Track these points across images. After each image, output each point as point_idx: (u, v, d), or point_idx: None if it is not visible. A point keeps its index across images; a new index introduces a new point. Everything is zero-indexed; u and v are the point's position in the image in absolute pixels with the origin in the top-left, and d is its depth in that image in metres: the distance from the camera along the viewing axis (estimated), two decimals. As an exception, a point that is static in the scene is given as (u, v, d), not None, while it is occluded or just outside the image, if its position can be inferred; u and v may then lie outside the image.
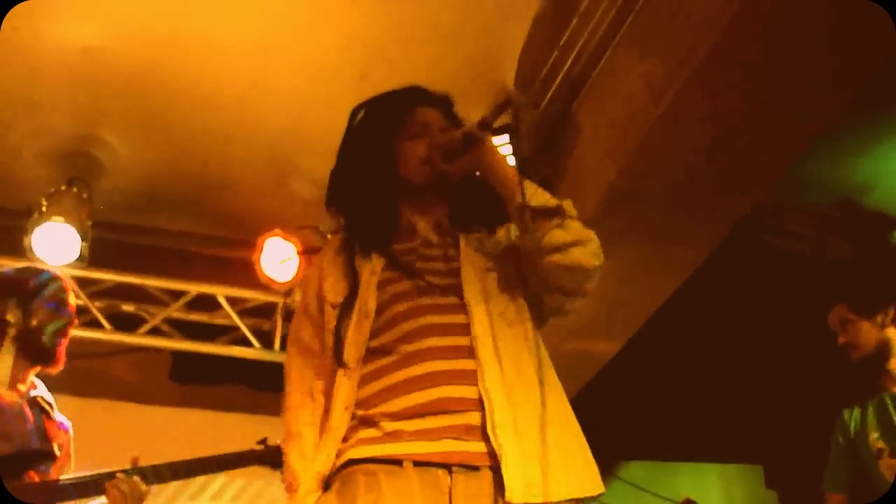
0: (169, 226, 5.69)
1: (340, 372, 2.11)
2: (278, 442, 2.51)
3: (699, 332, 5.62)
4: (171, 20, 4.40)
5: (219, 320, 5.69)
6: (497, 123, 2.32)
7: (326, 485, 2.05)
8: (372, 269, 2.19)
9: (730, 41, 3.58)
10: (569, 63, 4.40)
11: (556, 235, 2.11)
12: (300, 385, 2.23)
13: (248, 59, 4.59)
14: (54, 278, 3.11)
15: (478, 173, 2.24)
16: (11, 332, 2.94)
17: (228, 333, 5.69)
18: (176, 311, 5.55)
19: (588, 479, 2.04)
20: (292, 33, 4.47)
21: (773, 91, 3.81)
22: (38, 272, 3.13)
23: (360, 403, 2.07)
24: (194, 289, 5.57)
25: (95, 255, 5.04)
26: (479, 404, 2.00)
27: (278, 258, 5.10)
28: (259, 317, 5.76)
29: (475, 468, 1.96)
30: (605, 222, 4.05)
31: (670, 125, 3.97)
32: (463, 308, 2.11)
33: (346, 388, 2.09)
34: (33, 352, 3.00)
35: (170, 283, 5.52)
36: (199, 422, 5.41)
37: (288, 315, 5.64)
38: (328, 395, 2.13)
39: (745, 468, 6.96)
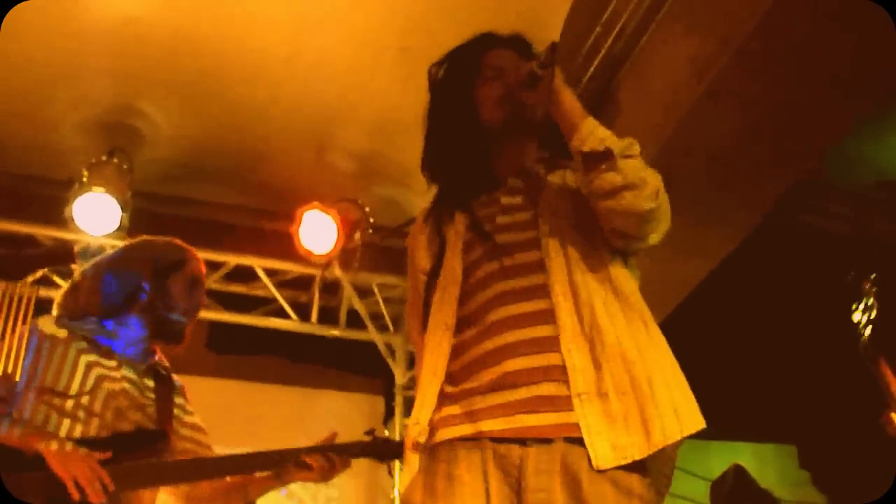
0: (207, 197, 5.71)
1: (430, 338, 2.11)
2: (386, 433, 2.51)
3: (736, 311, 5.61)
4: (211, -9, 4.44)
5: (257, 291, 5.71)
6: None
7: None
8: (456, 230, 2.19)
9: (775, 18, 3.53)
10: (611, 39, 4.36)
11: (607, 179, 2.04)
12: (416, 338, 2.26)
13: (288, 30, 4.58)
14: (193, 258, 3.11)
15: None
16: (146, 303, 2.95)
17: (266, 305, 5.71)
18: (214, 283, 5.57)
19: (687, 416, 1.95)
20: (332, 4, 4.45)
21: (817, 69, 3.76)
22: (181, 248, 3.13)
23: (449, 377, 2.07)
24: (232, 260, 5.59)
25: (135, 225, 5.05)
26: (562, 370, 1.96)
27: (317, 230, 5.10)
28: (296, 289, 5.79)
29: (548, 441, 1.93)
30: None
31: (713, 103, 3.92)
32: (541, 266, 2.08)
33: (434, 355, 2.09)
34: (161, 328, 2.99)
35: (208, 253, 5.42)
36: (236, 391, 5.48)
37: (326, 287, 5.74)
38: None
39: (779, 448, 6.97)
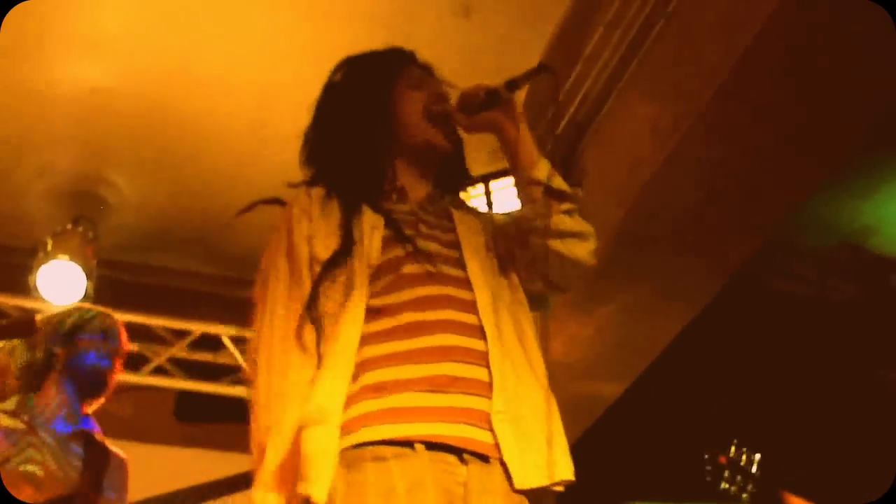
0: (174, 265, 5.68)
1: (341, 317, 1.88)
2: None
3: (704, 373, 5.58)
4: (178, 60, 4.42)
5: (223, 360, 5.66)
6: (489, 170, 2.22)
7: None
8: (372, 224, 2.01)
9: (735, 84, 3.55)
10: (574, 106, 4.39)
11: (562, 221, 2.02)
12: (284, 325, 1.94)
13: (255, 97, 4.59)
14: (101, 314, 3.10)
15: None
16: (59, 363, 2.93)
17: (232, 373, 5.65)
18: (180, 351, 5.53)
19: (568, 462, 1.91)
20: (300, 70, 4.29)
21: (777, 133, 3.79)
22: (86, 310, 3.11)
23: (363, 364, 1.85)
24: (198, 328, 5.55)
25: (101, 294, 5.01)
26: (488, 388, 1.86)
27: None
28: (264, 356, 5.76)
29: (486, 459, 1.82)
30: (610, 264, 4.07)
31: (676, 168, 3.94)
32: (468, 284, 1.97)
33: (345, 340, 1.86)
34: (83, 381, 2.97)
35: (174, 322, 5.50)
36: (203, 461, 5.29)
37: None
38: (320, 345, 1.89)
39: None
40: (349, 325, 1.87)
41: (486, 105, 2.07)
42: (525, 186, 2.09)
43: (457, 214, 2.14)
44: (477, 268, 2.01)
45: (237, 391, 5.52)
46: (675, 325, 4.87)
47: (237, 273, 5.50)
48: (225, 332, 5.56)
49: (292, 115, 4.34)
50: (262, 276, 2.09)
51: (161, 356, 5.49)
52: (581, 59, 4.29)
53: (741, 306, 5.24)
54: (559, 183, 2.06)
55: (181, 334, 5.52)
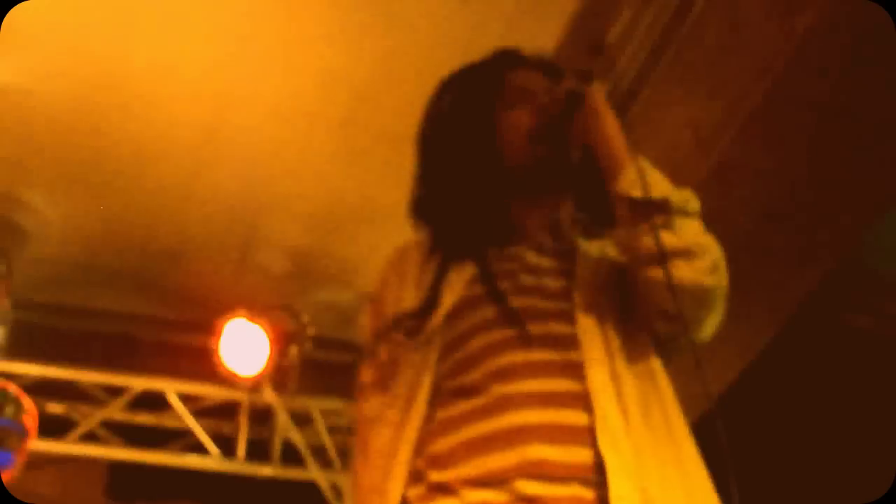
0: (107, 306, 5.64)
1: (392, 404, 2.00)
2: None
3: (762, 428, 5.46)
4: (112, 56, 4.36)
5: (168, 422, 5.61)
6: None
7: None
8: (462, 278, 2.08)
9: (793, 78, 3.55)
10: None
11: (651, 241, 1.96)
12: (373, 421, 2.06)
13: (206, 103, 4.57)
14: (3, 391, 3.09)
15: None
16: None
17: (180, 438, 5.61)
18: (115, 412, 5.48)
19: None
20: (260, 70, 4.45)
21: (845, 139, 3.76)
22: None
23: (431, 460, 1.89)
24: (138, 384, 5.50)
25: (17, 343, 4.97)
26: (595, 471, 1.81)
27: (243, 345, 5.05)
28: (218, 418, 5.69)
29: None
30: None
31: (723, 180, 3.90)
32: (573, 341, 1.97)
33: (396, 427, 1.95)
34: None
35: (108, 376, 5.46)
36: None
37: (255, 415, 5.65)
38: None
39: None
40: (392, 421, 1.95)
41: (570, 111, 2.08)
42: (615, 203, 2.05)
43: (583, 250, 2.16)
44: (591, 320, 2.00)
45: (186, 460, 5.50)
46: (727, 372, 4.81)
47: (186, 315, 5.55)
48: (171, 387, 5.52)
49: (250, 125, 4.61)
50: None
51: (91, 419, 5.44)
52: (605, 45, 4.23)
53: (806, 346, 5.22)
54: (652, 186, 1.99)
55: (117, 391, 5.48)
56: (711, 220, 3.76)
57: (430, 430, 1.92)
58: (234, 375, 5.13)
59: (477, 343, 1.99)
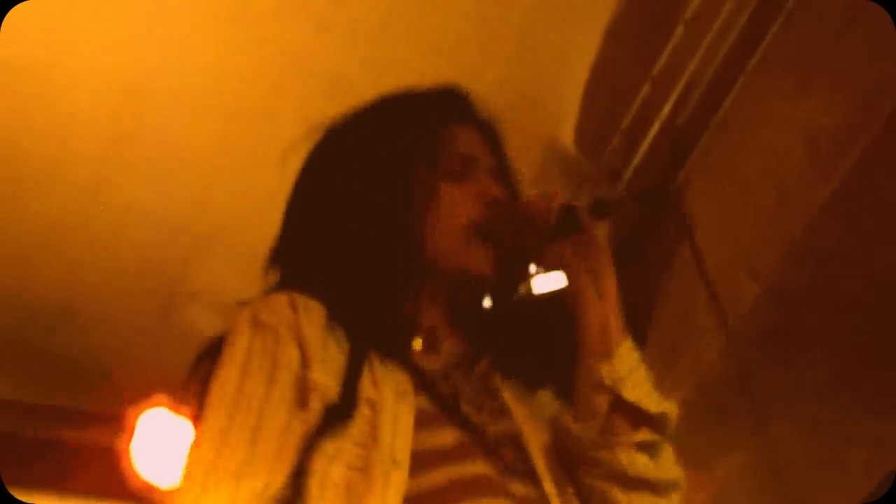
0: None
1: None
2: None
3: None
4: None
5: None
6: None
7: None
8: (398, 388, 1.96)
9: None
10: (670, 103, 4.13)
11: (633, 462, 2.00)
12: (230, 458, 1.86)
13: (117, 102, 4.36)
14: None
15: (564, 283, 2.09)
16: None
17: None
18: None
19: None
20: (179, 61, 4.31)
21: None
22: None
23: None
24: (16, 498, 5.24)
25: None
26: None
27: (163, 446, 4.83)
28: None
29: None
30: (733, 382, 4.01)
31: (849, 210, 3.64)
32: (539, 495, 1.96)
33: None
34: None
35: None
36: None
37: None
38: None
39: None
40: None
41: (557, 229, 2.04)
42: (586, 383, 2.01)
43: (506, 387, 2.13)
44: (545, 469, 2.01)
45: None
46: (855, 478, 4.50)
47: (82, 402, 5.40)
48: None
49: (176, 122, 4.73)
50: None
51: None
52: (680, 20, 4.02)
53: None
54: (641, 388, 2.02)
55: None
56: (827, 269, 3.93)
57: None
58: (149, 487, 4.83)
59: (440, 476, 1.92)
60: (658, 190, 2.06)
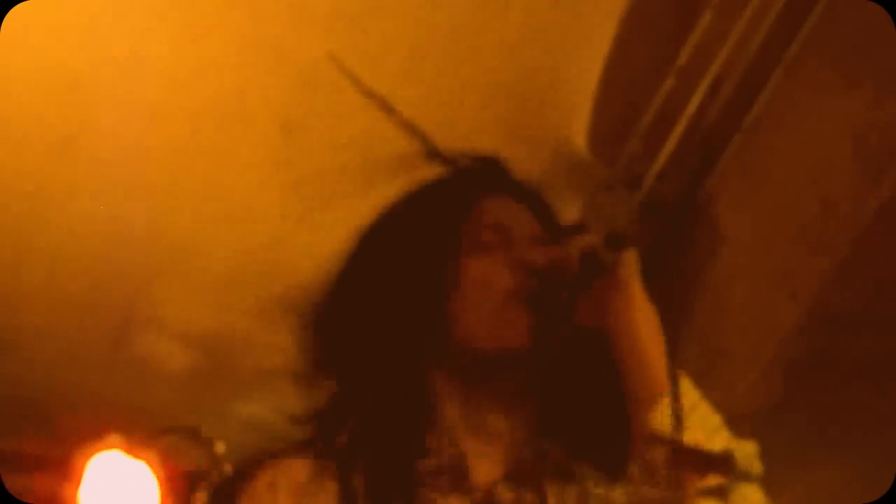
0: None
1: None
2: None
3: None
4: None
5: None
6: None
7: None
8: None
9: None
10: (700, 94, 3.98)
11: None
12: None
13: (61, 99, 4.15)
14: None
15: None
16: None
17: None
18: None
19: None
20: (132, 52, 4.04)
21: None
22: None
23: None
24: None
25: None
26: None
27: (116, 493, 4.66)
28: None
29: None
30: (782, 413, 4.01)
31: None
32: None
33: None
34: None
35: None
36: None
37: None
38: None
39: None
40: None
41: (581, 279, 2.05)
42: (638, 434, 2.02)
43: (553, 492, 2.08)
44: None
45: None
46: None
47: (24, 443, 5.32)
48: None
49: (134, 123, 4.65)
50: None
51: None
52: (708, 5, 3.86)
53: None
54: (704, 429, 2.04)
55: None
56: (882, 283, 3.91)
57: None
58: (104, 539, 4.45)
59: None
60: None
